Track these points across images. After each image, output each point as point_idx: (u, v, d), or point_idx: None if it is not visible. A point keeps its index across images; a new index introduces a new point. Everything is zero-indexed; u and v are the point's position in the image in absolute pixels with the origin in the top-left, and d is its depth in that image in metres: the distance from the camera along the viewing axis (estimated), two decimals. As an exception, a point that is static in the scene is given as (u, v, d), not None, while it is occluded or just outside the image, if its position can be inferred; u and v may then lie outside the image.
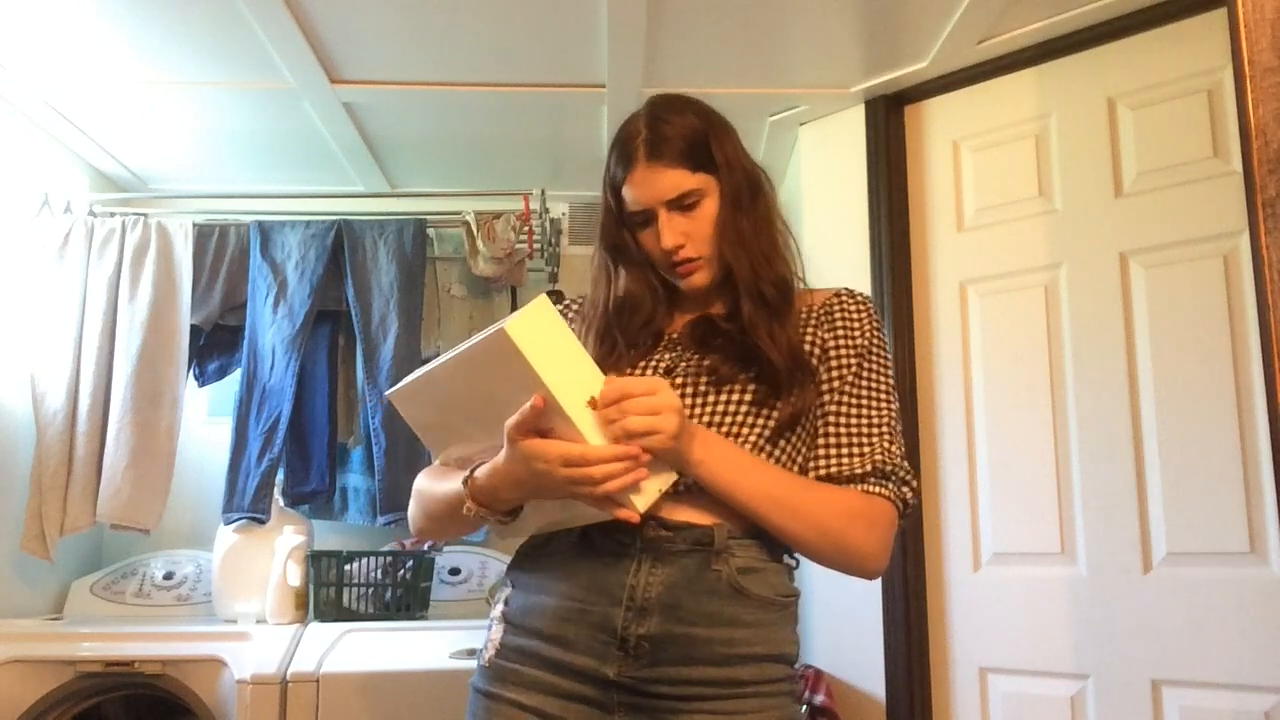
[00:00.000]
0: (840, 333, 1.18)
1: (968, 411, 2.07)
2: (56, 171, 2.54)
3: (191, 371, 2.58)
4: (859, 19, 1.97)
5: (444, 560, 2.57)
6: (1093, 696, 1.82)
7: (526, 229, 2.58)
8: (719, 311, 1.20)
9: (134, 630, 2.13)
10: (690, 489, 1.08)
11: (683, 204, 1.15)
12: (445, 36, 2.04)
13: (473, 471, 1.07)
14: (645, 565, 1.06)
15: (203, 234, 2.55)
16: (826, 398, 1.15)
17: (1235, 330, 1.75)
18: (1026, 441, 1.97)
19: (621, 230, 1.21)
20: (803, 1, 1.91)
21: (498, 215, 2.55)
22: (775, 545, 1.11)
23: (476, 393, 1.04)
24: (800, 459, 1.13)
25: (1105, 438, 1.87)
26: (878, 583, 2.03)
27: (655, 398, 0.98)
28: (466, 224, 2.55)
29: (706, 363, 1.13)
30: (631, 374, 1.15)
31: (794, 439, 1.12)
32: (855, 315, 1.19)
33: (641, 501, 0.99)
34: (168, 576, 2.53)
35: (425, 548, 2.44)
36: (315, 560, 2.34)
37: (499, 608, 1.15)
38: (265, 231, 2.56)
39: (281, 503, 2.48)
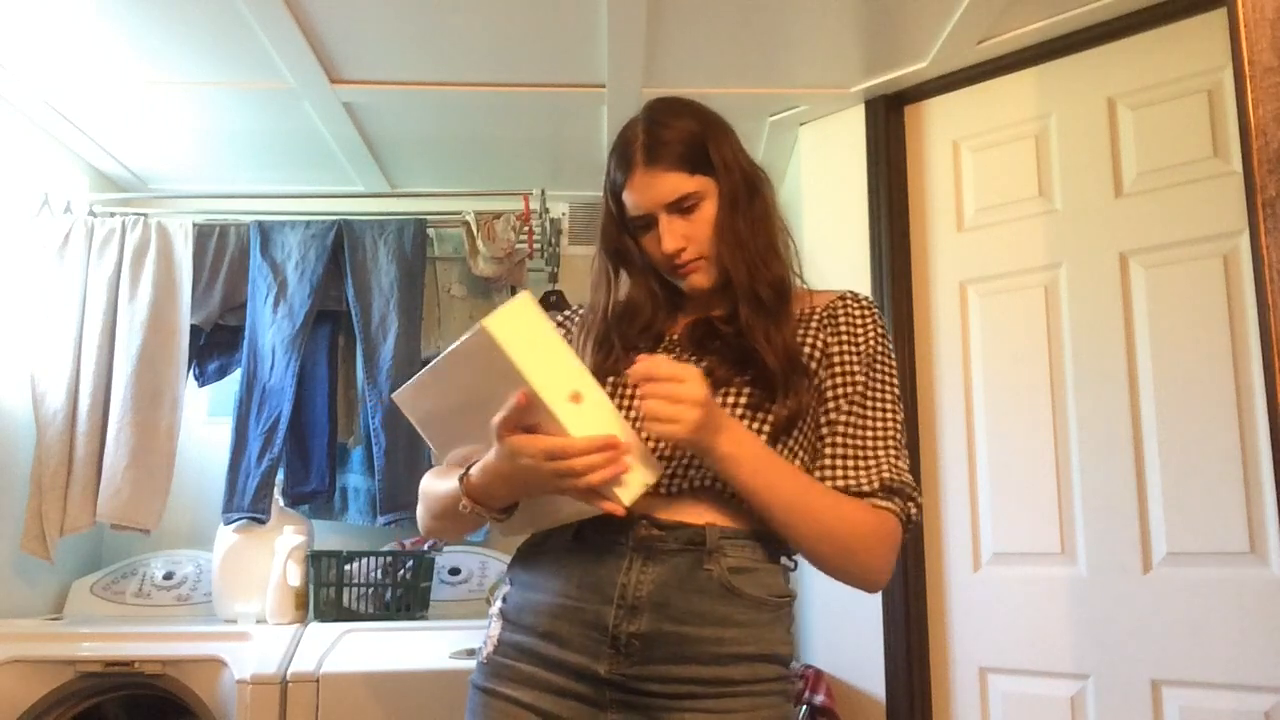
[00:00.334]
0: (844, 337, 1.17)
1: (968, 411, 2.07)
2: (56, 171, 2.54)
3: (191, 371, 2.58)
4: (859, 19, 1.97)
5: (444, 560, 2.57)
6: (1093, 696, 1.82)
7: (526, 229, 2.58)
8: (719, 314, 1.20)
9: (134, 630, 2.13)
10: (684, 489, 1.08)
11: (682, 207, 1.16)
12: (445, 36, 2.04)
13: (468, 470, 1.08)
14: (637, 564, 1.06)
15: (203, 234, 2.55)
16: (830, 405, 1.14)
17: (1235, 330, 1.75)
18: (1026, 441, 1.97)
19: (622, 235, 1.21)
20: (803, 1, 1.91)
21: (498, 215, 2.55)
22: (772, 546, 1.11)
23: (468, 391, 1.05)
24: (798, 462, 1.13)
25: (1105, 438, 1.87)
26: (878, 583, 2.03)
27: (681, 386, 0.98)
28: (466, 224, 2.55)
29: (704, 364, 1.13)
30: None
31: (791, 442, 1.12)
32: (860, 320, 1.18)
33: (626, 494, 0.99)
34: (168, 576, 2.53)
35: (425, 548, 2.44)
36: (315, 560, 2.34)
37: (497, 604, 1.17)
38: (265, 231, 2.56)
39: (281, 503, 2.48)
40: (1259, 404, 1.71)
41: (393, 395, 1.18)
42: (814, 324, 1.18)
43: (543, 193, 2.61)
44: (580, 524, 1.10)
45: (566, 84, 2.24)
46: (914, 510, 1.11)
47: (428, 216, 2.62)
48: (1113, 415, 1.86)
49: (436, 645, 2.05)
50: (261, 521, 2.37)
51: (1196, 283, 1.80)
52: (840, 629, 2.17)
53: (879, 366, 1.16)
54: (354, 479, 2.64)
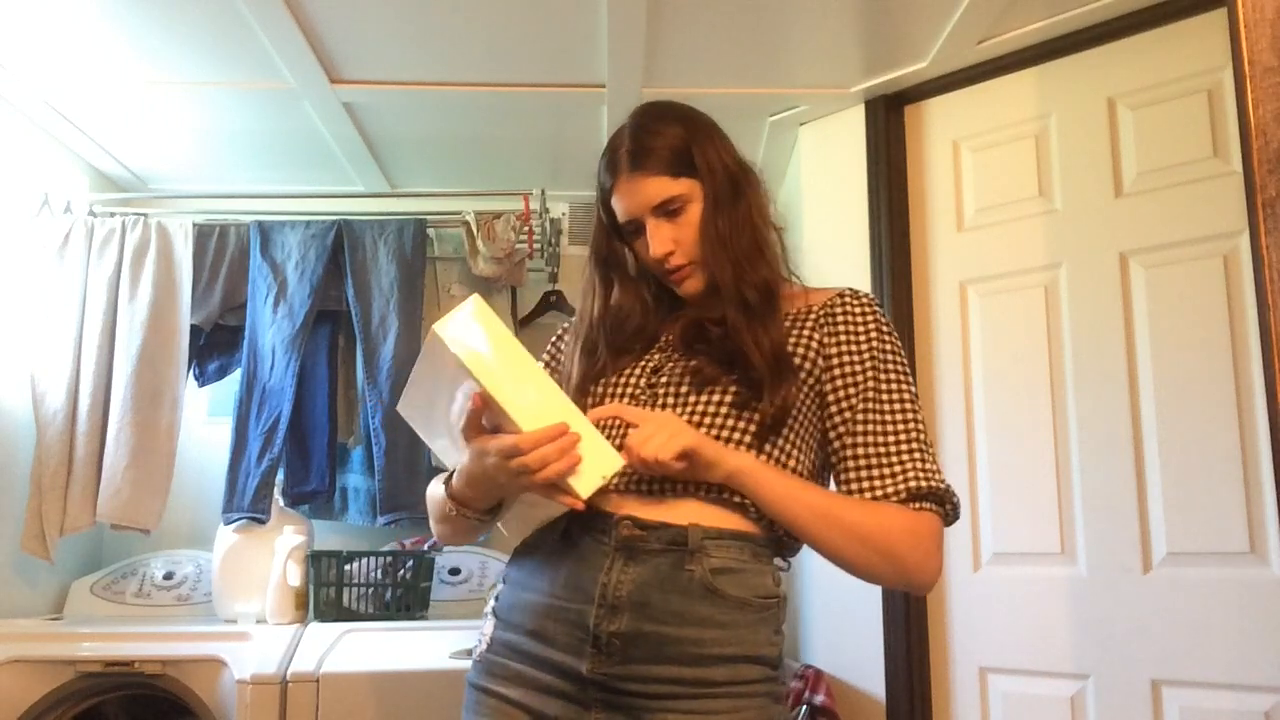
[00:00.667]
0: (843, 337, 1.15)
1: (968, 411, 2.07)
2: (56, 171, 2.54)
3: (191, 371, 2.58)
4: (859, 19, 1.97)
5: (444, 560, 2.57)
6: (1093, 696, 1.82)
7: (526, 229, 2.58)
8: (713, 315, 1.19)
9: (134, 630, 2.13)
10: (668, 490, 1.08)
11: (667, 210, 1.16)
12: (445, 36, 2.04)
13: (451, 474, 1.11)
14: (618, 564, 1.06)
15: (203, 234, 2.55)
16: (836, 412, 1.13)
17: (1235, 330, 1.75)
18: (1026, 441, 1.97)
19: (612, 242, 1.23)
20: (803, 1, 1.91)
21: (498, 215, 2.55)
22: (761, 547, 1.10)
23: (443, 395, 1.07)
24: (793, 463, 1.12)
25: (1105, 438, 1.87)
26: (878, 583, 2.03)
27: (653, 416, 1.05)
28: (466, 224, 2.55)
29: (692, 364, 1.14)
30: (619, 378, 1.18)
31: (782, 442, 1.11)
32: (860, 318, 1.16)
33: (583, 486, 1.00)
34: (168, 576, 2.53)
35: (425, 547, 2.44)
36: (315, 560, 2.34)
37: (491, 603, 1.18)
38: (265, 231, 2.56)
39: (281, 503, 2.48)
40: (1259, 404, 1.71)
41: (397, 408, 1.20)
42: (809, 323, 1.17)
43: (543, 193, 2.61)
44: (568, 524, 1.12)
45: (566, 84, 2.24)
46: (949, 509, 1.11)
47: (428, 216, 2.62)
48: (1113, 415, 1.86)
49: (436, 645, 2.05)
50: (261, 521, 2.37)
51: (1196, 283, 1.80)
52: (840, 629, 2.17)
53: (888, 365, 1.14)
54: (354, 479, 2.64)
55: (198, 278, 2.53)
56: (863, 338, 1.15)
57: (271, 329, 2.48)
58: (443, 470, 1.20)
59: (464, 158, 2.67)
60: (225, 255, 2.56)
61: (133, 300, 2.44)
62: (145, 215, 2.55)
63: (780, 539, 1.11)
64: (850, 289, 1.20)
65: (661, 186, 1.15)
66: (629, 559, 1.06)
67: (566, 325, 1.32)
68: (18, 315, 2.37)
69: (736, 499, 1.08)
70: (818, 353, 1.15)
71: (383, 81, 2.22)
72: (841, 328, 1.16)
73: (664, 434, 1.02)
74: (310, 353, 2.54)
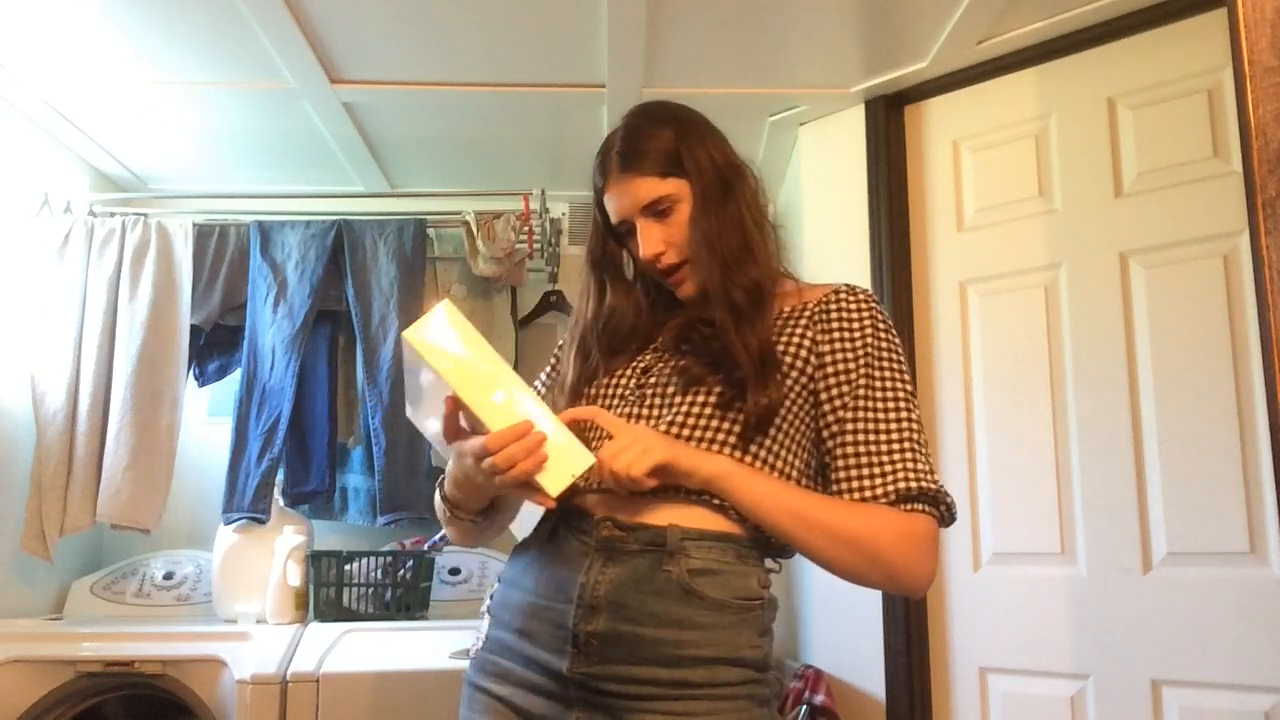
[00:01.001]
0: (836, 335, 1.13)
1: (968, 411, 2.07)
2: (56, 171, 2.54)
3: (191, 371, 2.58)
4: (859, 19, 1.97)
5: (444, 560, 2.57)
6: (1093, 696, 1.82)
7: (526, 229, 2.58)
8: (707, 314, 1.19)
9: (134, 630, 2.13)
10: (650, 491, 1.07)
11: (657, 211, 1.16)
12: (445, 36, 2.04)
13: (443, 477, 1.13)
14: (597, 564, 1.07)
15: (203, 234, 2.56)
16: (829, 411, 1.11)
17: (1235, 330, 1.75)
18: (1026, 441, 1.97)
19: (608, 243, 1.23)
20: (803, 1, 1.91)
21: (498, 215, 2.55)
22: (746, 548, 1.09)
23: (429, 400, 1.09)
24: (782, 464, 1.10)
25: (1105, 438, 1.87)
26: (878, 583, 2.03)
27: (626, 428, 1.06)
28: (466, 224, 2.55)
29: (680, 364, 1.14)
30: (611, 380, 1.18)
31: (770, 443, 1.10)
32: (854, 315, 1.14)
33: (551, 484, 1.00)
34: (168, 576, 2.53)
35: (425, 547, 2.44)
36: (315, 560, 2.34)
37: (487, 601, 1.19)
38: (265, 231, 2.56)
39: (281, 503, 2.48)
40: (1259, 404, 1.71)
41: (407, 414, 1.22)
42: (803, 321, 1.15)
43: (543, 193, 2.61)
44: (555, 524, 1.13)
45: (566, 84, 2.24)
46: (943, 510, 1.08)
47: (428, 216, 2.62)
48: (1113, 415, 1.86)
49: (436, 645, 2.05)
50: (261, 521, 2.37)
51: (1196, 283, 1.80)
52: (840, 629, 2.17)
53: (882, 362, 1.11)
54: (354, 479, 2.64)
55: (198, 278, 2.53)
56: (857, 335, 1.13)
57: (271, 329, 2.48)
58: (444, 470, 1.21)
59: (464, 158, 2.67)
60: (225, 255, 2.56)
61: (133, 300, 2.44)
62: (145, 215, 2.55)
63: (767, 540, 1.10)
64: (847, 285, 1.18)
65: (650, 187, 1.15)
66: (608, 559, 1.07)
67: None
68: (18, 315, 2.37)
69: (718, 500, 1.07)
70: (810, 351, 1.13)
71: (383, 81, 2.22)
72: (835, 325, 1.14)
73: (636, 448, 1.02)
74: (310, 353, 2.54)
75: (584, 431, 1.08)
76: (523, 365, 2.66)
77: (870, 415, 1.10)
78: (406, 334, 1.01)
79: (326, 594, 2.32)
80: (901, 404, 1.10)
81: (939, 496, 1.07)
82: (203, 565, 2.53)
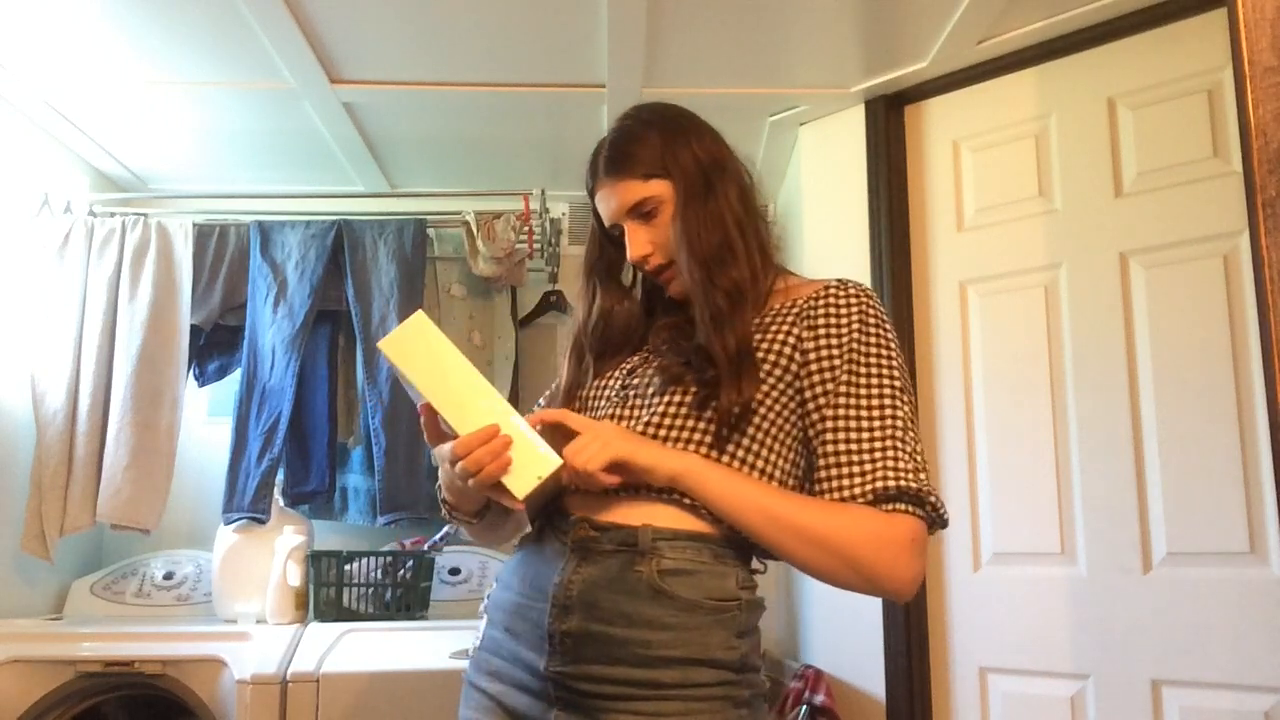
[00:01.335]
0: (821, 332, 1.10)
1: (968, 411, 2.07)
2: (56, 171, 2.54)
3: (191, 371, 2.58)
4: (859, 19, 1.97)
5: (444, 560, 2.57)
6: (1093, 696, 1.82)
7: (526, 229, 2.58)
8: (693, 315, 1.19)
9: (134, 630, 2.13)
10: (624, 491, 1.07)
11: (642, 213, 1.16)
12: (445, 36, 2.04)
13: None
14: (572, 564, 1.07)
15: (203, 234, 2.56)
16: (811, 405, 1.08)
17: (1235, 330, 1.75)
18: (1026, 441, 1.97)
19: (604, 246, 1.24)
20: (803, 1, 1.91)
21: (498, 215, 2.55)
22: (722, 548, 1.07)
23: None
24: (762, 464, 1.08)
25: (1105, 438, 1.87)
26: (878, 583, 2.03)
27: (590, 425, 1.06)
28: (466, 224, 2.55)
29: (659, 363, 1.14)
30: (601, 382, 1.20)
31: (748, 442, 1.08)
32: (842, 310, 1.10)
33: (517, 486, 1.02)
34: (168, 576, 2.53)
35: (425, 547, 2.44)
36: (315, 560, 2.34)
37: (484, 601, 1.20)
38: (265, 231, 2.56)
39: (281, 503, 2.48)
40: (1259, 404, 1.71)
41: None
42: (789, 318, 1.12)
43: (543, 193, 2.61)
44: (541, 525, 1.15)
45: (566, 84, 2.24)
46: (929, 509, 1.03)
47: (428, 216, 2.62)
48: (1113, 415, 1.86)
49: (436, 645, 2.05)
50: (261, 521, 2.37)
51: (1196, 283, 1.80)
52: (840, 629, 2.17)
53: (869, 357, 1.08)
54: (354, 479, 2.64)
55: (198, 278, 2.53)
56: (844, 330, 1.09)
57: (271, 329, 2.48)
58: None
59: (464, 158, 2.67)
60: (225, 255, 2.56)
61: (133, 300, 2.44)
62: (145, 215, 2.55)
63: (745, 540, 1.08)
64: (839, 280, 1.14)
65: (634, 190, 1.15)
66: (582, 559, 1.07)
67: None
68: (18, 315, 2.37)
69: (689, 500, 1.06)
70: (794, 348, 1.10)
71: (383, 81, 2.22)
72: (821, 321, 1.11)
73: (596, 444, 1.03)
74: (310, 353, 2.54)
75: (557, 434, 1.08)
76: (523, 365, 2.67)
77: (852, 412, 1.06)
78: (381, 345, 1.06)
79: (326, 594, 2.32)
80: (886, 399, 1.06)
81: (921, 496, 1.02)
82: (203, 565, 2.53)
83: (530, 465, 1.02)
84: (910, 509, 1.02)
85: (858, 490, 1.03)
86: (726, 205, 1.16)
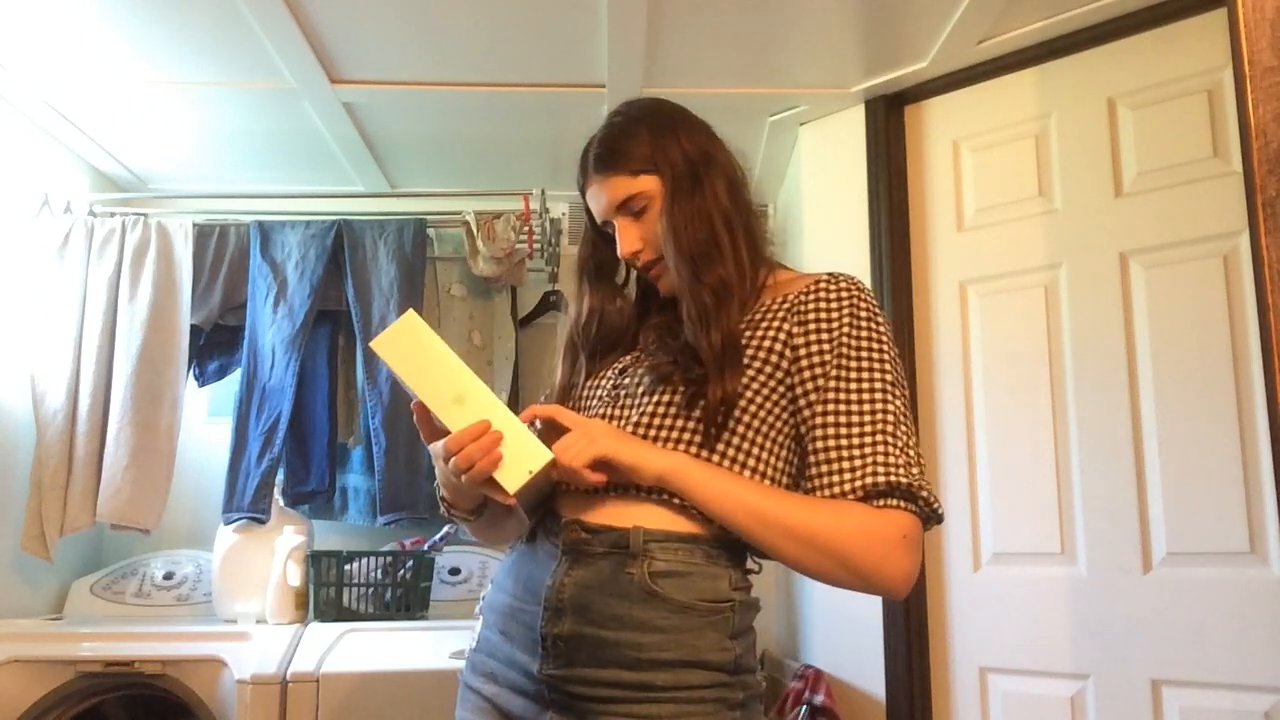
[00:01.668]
0: (811, 327, 1.08)
1: (968, 411, 2.07)
2: (56, 171, 2.54)
3: (191, 371, 2.58)
4: (859, 19, 1.97)
5: (444, 560, 2.57)
6: (1093, 696, 1.82)
7: (526, 229, 2.58)
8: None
9: (134, 630, 2.13)
10: (615, 492, 1.07)
11: (631, 210, 1.16)
12: (445, 36, 2.04)
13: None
14: (564, 566, 1.07)
15: (203, 234, 2.56)
16: (802, 401, 1.07)
17: (1235, 330, 1.75)
18: (1026, 441, 1.97)
19: (597, 245, 1.24)
20: (803, 1, 1.91)
21: (498, 215, 2.55)
22: (715, 549, 1.06)
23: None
24: (754, 462, 1.07)
25: (1105, 438, 1.87)
26: (878, 583, 2.03)
27: (579, 422, 1.06)
28: (466, 224, 2.55)
29: (652, 363, 1.14)
30: (594, 381, 1.20)
31: (737, 440, 1.07)
32: (832, 305, 1.08)
33: (508, 481, 1.02)
34: (168, 576, 2.53)
35: (425, 547, 2.44)
36: (315, 560, 2.34)
37: (480, 603, 1.20)
38: (265, 231, 2.56)
39: (281, 503, 2.48)
40: (1259, 404, 1.71)
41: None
42: (780, 314, 1.10)
43: (543, 193, 2.61)
44: (534, 526, 1.14)
45: (566, 84, 2.24)
46: (922, 505, 1.01)
47: (428, 216, 2.62)
48: (1113, 415, 1.86)
49: (436, 645, 2.05)
50: (261, 521, 2.37)
51: (1196, 283, 1.80)
52: (840, 629, 2.17)
53: (860, 350, 1.06)
54: (354, 479, 2.64)
55: (198, 278, 2.53)
56: (835, 325, 1.07)
57: (271, 329, 2.48)
58: None
59: (464, 158, 2.68)
60: (225, 255, 2.56)
61: (133, 300, 2.44)
62: (145, 215, 2.55)
63: (738, 540, 1.06)
64: (830, 274, 1.12)
65: (622, 186, 1.15)
66: (574, 562, 1.06)
67: None
68: (18, 315, 2.37)
69: (679, 500, 1.05)
70: (784, 344, 1.08)
71: (383, 81, 2.22)
72: (811, 316, 1.08)
73: (583, 441, 1.03)
74: (310, 353, 2.54)
75: (552, 431, 1.09)
76: (523, 365, 2.67)
77: (842, 407, 1.04)
78: (373, 344, 1.07)
79: (326, 594, 2.32)
80: (877, 394, 1.04)
81: (914, 491, 1.01)
82: (203, 565, 2.53)
83: (521, 460, 1.02)
84: (902, 504, 1.01)
85: (848, 486, 1.01)
86: (714, 200, 1.15)
